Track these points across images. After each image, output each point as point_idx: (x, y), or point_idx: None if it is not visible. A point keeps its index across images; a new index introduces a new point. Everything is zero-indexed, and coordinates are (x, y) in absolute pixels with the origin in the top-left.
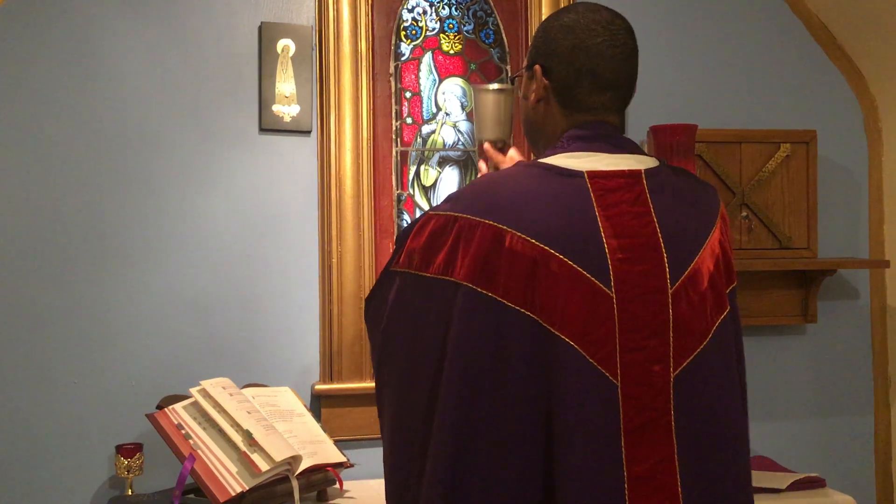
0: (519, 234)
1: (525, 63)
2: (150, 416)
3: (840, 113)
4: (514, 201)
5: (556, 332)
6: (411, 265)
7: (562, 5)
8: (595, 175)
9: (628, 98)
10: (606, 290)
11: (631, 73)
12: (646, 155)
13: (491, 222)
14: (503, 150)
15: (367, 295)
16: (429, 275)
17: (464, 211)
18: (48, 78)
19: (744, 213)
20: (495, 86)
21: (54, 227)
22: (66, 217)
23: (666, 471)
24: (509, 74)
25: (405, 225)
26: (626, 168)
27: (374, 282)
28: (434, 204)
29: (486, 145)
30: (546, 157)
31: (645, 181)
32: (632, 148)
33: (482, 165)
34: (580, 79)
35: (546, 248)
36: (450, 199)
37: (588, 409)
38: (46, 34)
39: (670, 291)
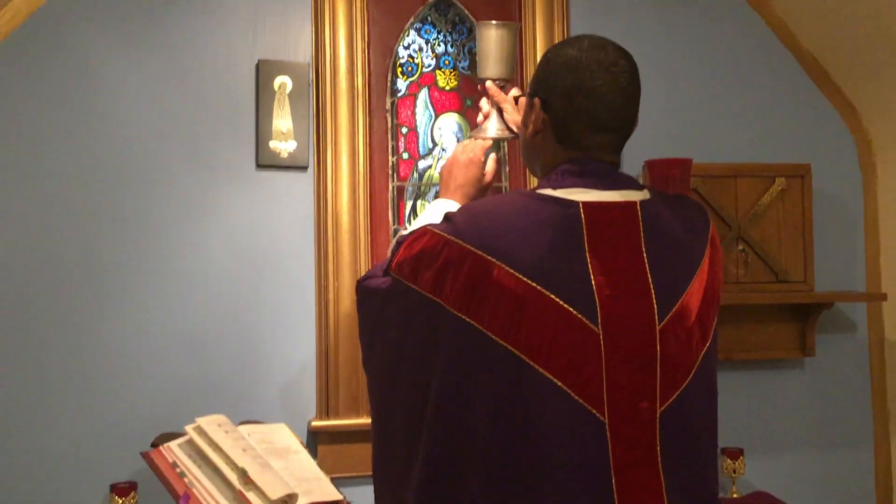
0: (507, 268)
1: (528, 90)
2: (145, 455)
3: (834, 147)
4: (505, 233)
5: (541, 370)
6: (402, 273)
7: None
8: (590, 206)
9: (626, 137)
10: (593, 327)
11: (630, 115)
12: (638, 189)
13: (481, 253)
14: (505, 88)
15: (362, 279)
16: (417, 288)
17: (457, 236)
18: (47, 114)
19: (740, 247)
20: (498, 22)
21: (51, 262)
22: (63, 253)
23: None
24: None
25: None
26: (620, 200)
27: (372, 265)
28: None
29: (489, 83)
30: (540, 188)
31: (640, 213)
32: (624, 184)
33: (483, 104)
34: (578, 118)
35: (532, 283)
36: (448, 218)
37: (575, 447)
38: (46, 72)
39: (658, 328)
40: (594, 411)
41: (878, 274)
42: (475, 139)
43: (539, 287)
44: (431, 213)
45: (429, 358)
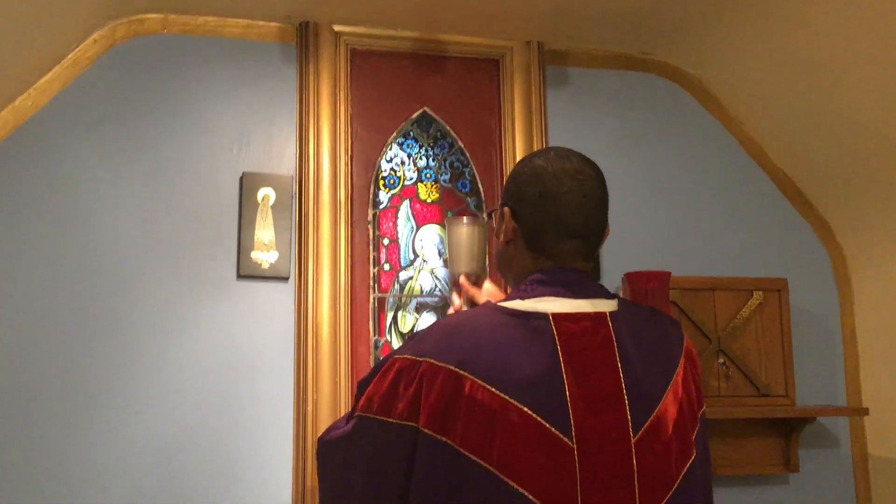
0: (479, 381)
1: (499, 200)
2: None
3: (809, 262)
4: (476, 347)
5: (515, 486)
6: (370, 409)
7: None
8: (560, 318)
9: (597, 245)
10: (567, 441)
11: (599, 222)
12: (609, 298)
13: (453, 368)
14: (477, 282)
15: (323, 435)
16: (390, 420)
17: (427, 355)
18: (30, 224)
19: (721, 360)
20: (468, 219)
21: (28, 374)
22: (41, 364)
23: None
24: (485, 209)
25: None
26: (591, 310)
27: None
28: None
29: (461, 278)
30: (510, 299)
31: (611, 324)
32: (594, 293)
33: (455, 298)
34: (546, 226)
35: (505, 397)
36: (414, 338)
37: None
38: (31, 183)
39: (633, 441)
40: None
41: (859, 388)
42: None
43: (512, 400)
44: None
45: (402, 489)
